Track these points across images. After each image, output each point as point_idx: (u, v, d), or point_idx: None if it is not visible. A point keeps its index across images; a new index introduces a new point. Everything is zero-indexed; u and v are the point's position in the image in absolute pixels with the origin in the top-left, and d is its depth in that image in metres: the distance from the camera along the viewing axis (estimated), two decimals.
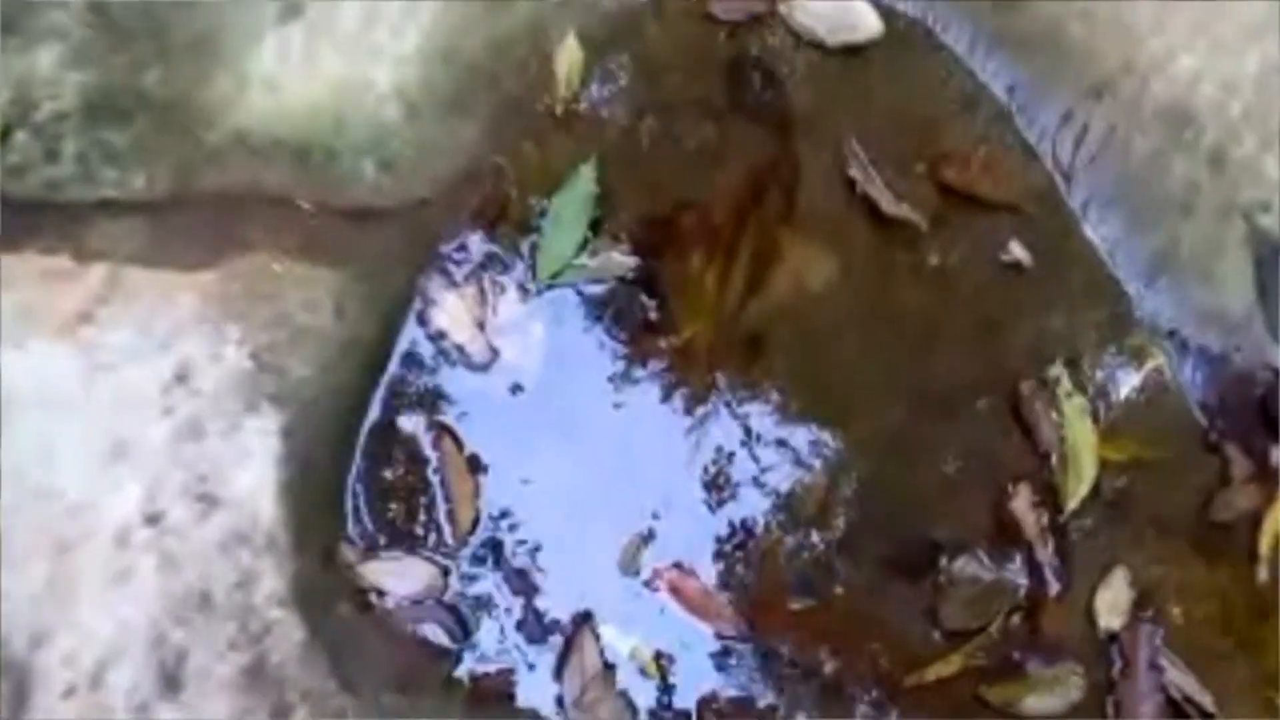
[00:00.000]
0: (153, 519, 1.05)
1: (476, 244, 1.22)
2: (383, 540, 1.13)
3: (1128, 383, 1.20)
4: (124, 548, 1.02)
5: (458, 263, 1.21)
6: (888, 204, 1.24)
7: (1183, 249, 1.20)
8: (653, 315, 1.21)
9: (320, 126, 1.17)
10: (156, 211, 1.13)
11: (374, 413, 1.16)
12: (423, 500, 1.15)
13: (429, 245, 1.19)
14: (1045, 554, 1.13)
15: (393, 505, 1.14)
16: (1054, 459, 1.16)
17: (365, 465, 1.14)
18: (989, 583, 1.13)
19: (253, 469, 1.07)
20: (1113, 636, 1.11)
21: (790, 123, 1.26)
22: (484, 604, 1.12)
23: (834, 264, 1.22)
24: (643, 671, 1.10)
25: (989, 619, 1.11)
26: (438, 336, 1.19)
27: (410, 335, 1.18)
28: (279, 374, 1.11)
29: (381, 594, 1.10)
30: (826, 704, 1.11)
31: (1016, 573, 1.13)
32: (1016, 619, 1.11)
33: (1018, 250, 1.21)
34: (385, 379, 1.17)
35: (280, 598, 1.04)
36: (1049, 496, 1.14)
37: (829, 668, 1.12)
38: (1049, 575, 1.12)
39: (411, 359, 1.19)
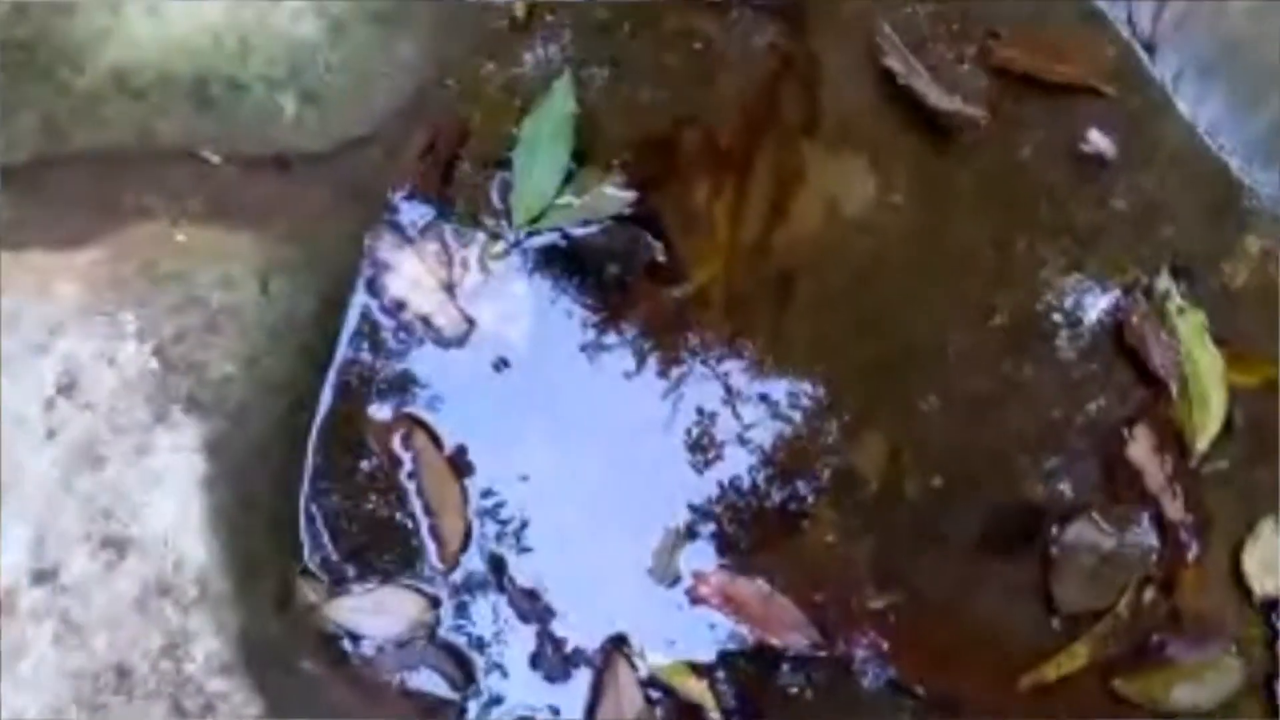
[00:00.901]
0: (44, 575, 0.86)
1: (432, 189, 1.05)
2: (351, 570, 0.96)
3: (1251, 288, 1.03)
4: (10, 616, 0.84)
5: (412, 214, 1.04)
6: (936, 98, 1.06)
7: None
8: (659, 260, 1.04)
9: (221, 55, 1.00)
10: (19, 179, 0.97)
11: (324, 411, 0.99)
12: (398, 515, 0.98)
13: (373, 195, 1.03)
14: (1175, 509, 0.97)
15: (360, 525, 0.97)
16: (1173, 390, 1.00)
17: (320, 478, 0.98)
18: (1110, 551, 0.97)
19: (170, 499, 0.88)
20: (1270, 604, 0.96)
21: (804, 7, 1.10)
22: (488, 638, 0.96)
23: (873, 179, 1.06)
24: (696, 704, 0.93)
25: (1115, 596, 0.96)
26: (396, 308, 1.01)
27: (361, 309, 1.02)
28: (194, 373, 0.92)
29: (356, 639, 0.94)
30: None
31: (1143, 535, 0.98)
32: (1149, 593, 0.97)
33: (1099, 140, 1.06)
34: (334, 367, 1.00)
35: (223, 662, 0.85)
36: (1172, 437, 1.00)
37: (927, 678, 0.92)
38: (1183, 535, 0.98)
39: (365, 339, 1.01)
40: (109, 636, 0.84)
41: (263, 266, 0.96)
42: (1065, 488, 0.98)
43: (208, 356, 0.92)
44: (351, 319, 1.00)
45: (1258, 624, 0.95)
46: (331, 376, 0.99)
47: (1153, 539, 0.96)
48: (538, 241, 1.03)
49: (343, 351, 1.00)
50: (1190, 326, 1.00)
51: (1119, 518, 0.97)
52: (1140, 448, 0.98)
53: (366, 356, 1.00)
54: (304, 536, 0.95)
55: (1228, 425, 0.98)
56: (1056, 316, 1.03)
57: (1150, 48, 1.07)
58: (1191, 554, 0.96)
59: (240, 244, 0.96)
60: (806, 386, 1.02)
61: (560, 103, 1.05)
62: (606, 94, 1.06)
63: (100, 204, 0.97)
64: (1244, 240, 1.03)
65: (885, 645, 0.94)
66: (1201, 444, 0.97)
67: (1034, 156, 1.06)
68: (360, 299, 1.01)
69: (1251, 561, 0.95)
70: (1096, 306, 1.02)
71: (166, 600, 0.85)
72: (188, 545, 0.86)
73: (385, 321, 1.01)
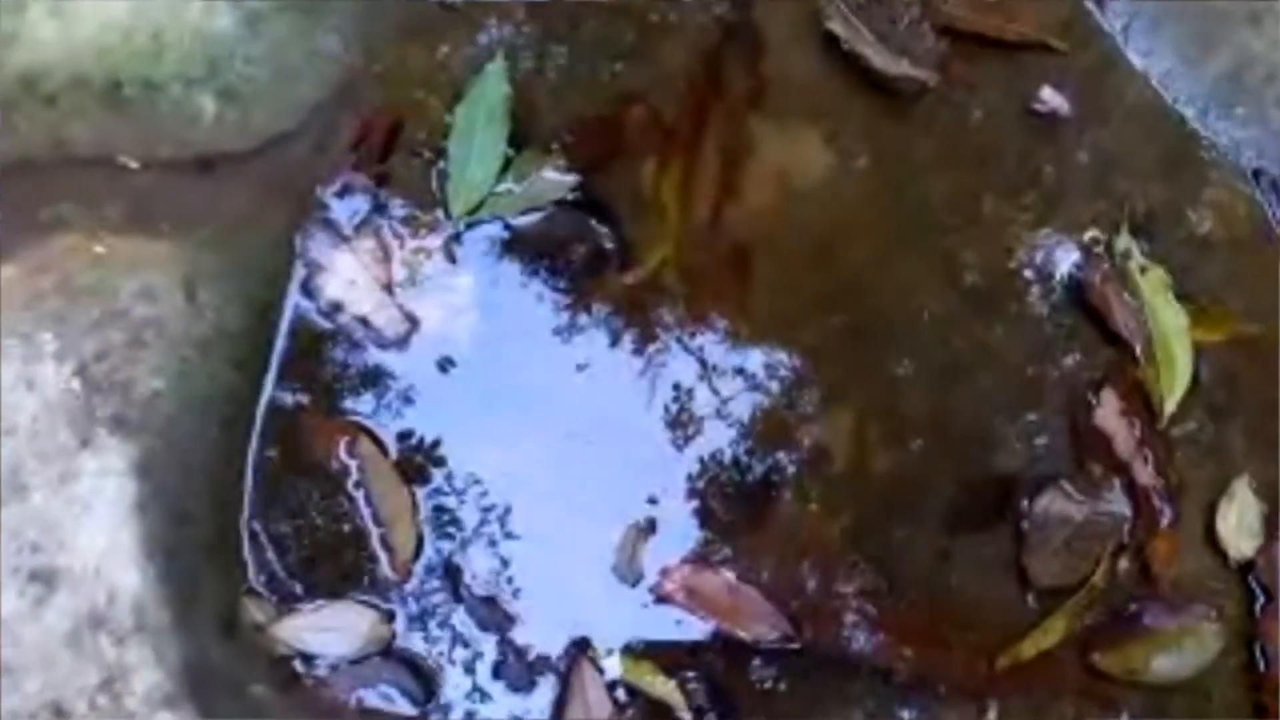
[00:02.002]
0: None
1: (365, 183, 0.99)
2: (299, 587, 0.92)
3: (1213, 241, 1.00)
4: None
5: (344, 211, 0.99)
6: (883, 62, 1.02)
7: (1257, 68, 1.01)
8: (607, 246, 1.00)
9: (132, 54, 0.94)
10: None
11: (261, 423, 0.94)
12: (345, 526, 0.93)
13: (302, 193, 0.98)
14: (1147, 474, 0.94)
15: (306, 539, 0.93)
16: (1138, 352, 0.97)
17: (261, 493, 0.93)
18: (1083, 522, 0.94)
19: (100, 526, 0.83)
20: (1246, 566, 0.93)
21: None
22: (447, 650, 0.92)
23: (824, 150, 1.02)
24: (666, 705, 0.89)
25: (1090, 567, 0.93)
26: (332, 310, 0.96)
27: (295, 314, 0.96)
28: (119, 392, 0.87)
29: (308, 659, 0.90)
30: (908, 708, 0.88)
31: (1115, 503, 0.95)
32: (1124, 562, 0.94)
33: (1051, 97, 1.03)
34: (270, 377, 0.95)
35: (166, 694, 0.81)
36: (1140, 400, 0.97)
37: (903, 662, 0.89)
38: (1156, 500, 0.95)
39: (301, 345, 0.96)
40: (43, 676, 0.79)
41: (187, 275, 0.91)
42: (1034, 458, 0.95)
43: (133, 374, 0.87)
44: (286, 325, 0.95)
45: (1235, 587, 0.92)
46: (268, 386, 0.94)
47: (1125, 506, 0.93)
48: (478, 233, 0.98)
49: (278, 360, 0.94)
50: (1152, 284, 0.97)
51: (1090, 486, 0.94)
52: (1108, 413, 0.94)
53: (304, 363, 0.95)
54: (247, 555, 0.90)
55: (1195, 384, 0.95)
56: (1017, 282, 0.99)
57: (1100, 0, 1.04)
58: (1165, 519, 0.93)
59: (163, 252, 0.91)
60: (768, 366, 0.98)
61: (494, 86, 1.00)
62: (543, 74, 1.01)
63: (13, 217, 0.91)
64: (1203, 192, 1.00)
65: (858, 631, 0.91)
66: (1170, 405, 0.95)
67: (987, 117, 1.03)
68: (294, 303, 0.96)
69: (1226, 523, 0.92)
70: (1058, 269, 0.99)
71: (101, 633, 0.80)
72: (121, 574, 0.81)
73: (322, 325, 0.96)
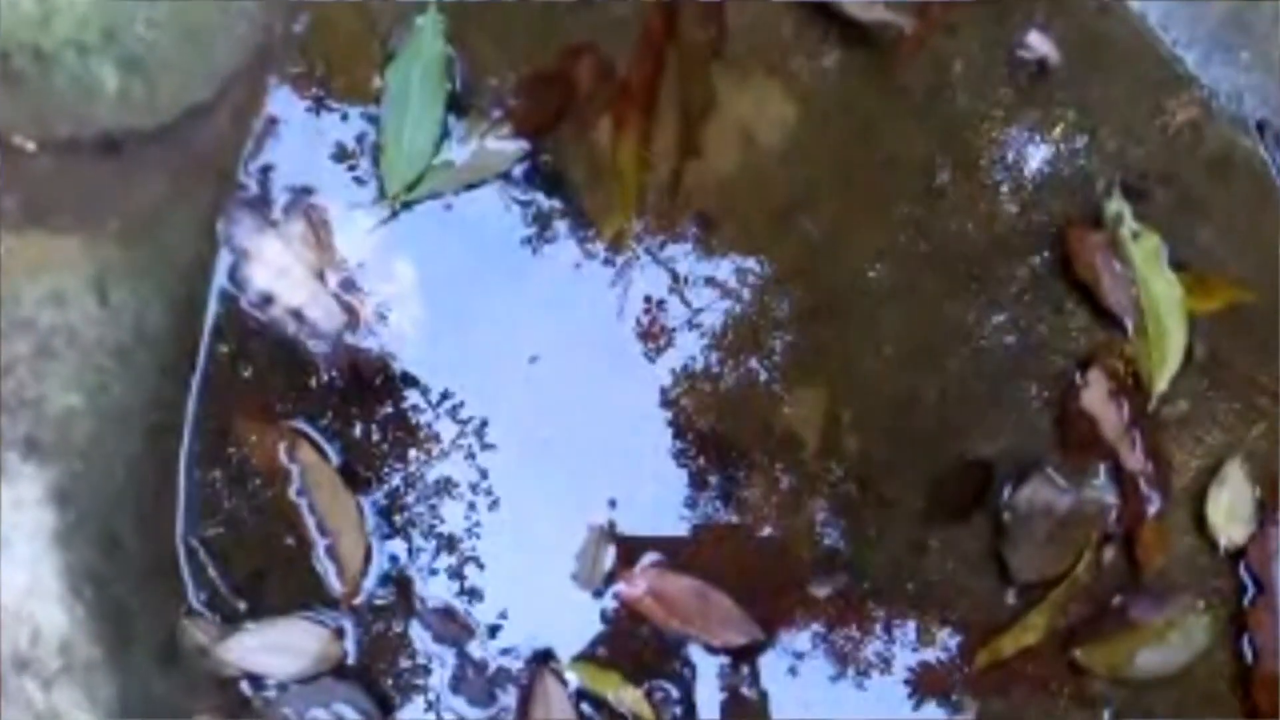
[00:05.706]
0: None
1: (292, 158, 0.91)
2: (243, 605, 0.87)
3: (1210, 200, 0.93)
4: None
5: (269, 191, 0.91)
6: (855, 6, 0.94)
7: (1263, 10, 0.92)
8: (560, 220, 0.92)
9: (17, 19, 0.84)
10: None
11: (192, 432, 0.88)
12: (289, 539, 0.88)
13: (222, 173, 0.90)
14: (1135, 459, 0.89)
15: (248, 554, 0.87)
16: (1129, 326, 0.91)
17: (196, 508, 0.87)
18: (1067, 511, 0.89)
19: (18, 563, 0.77)
20: (1237, 554, 0.89)
21: None
22: (402, 666, 0.87)
23: (792, 103, 0.94)
24: (634, 715, 0.86)
25: (1073, 559, 0.88)
26: (263, 303, 0.89)
27: (222, 309, 0.89)
28: (30, 410, 0.79)
29: (257, 681, 0.85)
30: (883, 710, 0.84)
31: (1101, 490, 0.90)
32: (1109, 553, 0.89)
33: (1039, 43, 0.95)
34: (197, 380, 0.88)
35: None
36: (1129, 379, 0.91)
37: (876, 662, 0.85)
38: (1144, 487, 0.90)
39: (231, 343, 0.89)
40: None
41: (98, 274, 0.83)
42: (1016, 442, 0.90)
43: (44, 390, 0.80)
44: (212, 322, 0.88)
45: (1225, 577, 0.88)
46: (196, 391, 0.87)
47: (1111, 494, 0.88)
48: (419, 211, 0.90)
49: (206, 361, 0.87)
50: (1145, 252, 0.90)
51: (1074, 472, 0.88)
52: (1095, 393, 0.89)
53: (235, 364, 0.88)
54: (185, 574, 0.85)
55: (1188, 359, 0.89)
56: (999, 251, 0.92)
57: None
58: (1153, 507, 0.88)
59: (68, 250, 0.83)
60: (736, 344, 0.92)
61: (427, 44, 0.91)
62: (481, 26, 0.92)
63: None
64: (1200, 146, 0.93)
65: (832, 631, 0.87)
66: (1161, 384, 0.89)
67: (968, 66, 0.94)
68: (220, 297, 0.88)
69: (1217, 510, 0.87)
70: (1042, 234, 0.92)
71: (25, 678, 0.75)
72: (45, 612, 0.76)
73: (252, 320, 0.88)
